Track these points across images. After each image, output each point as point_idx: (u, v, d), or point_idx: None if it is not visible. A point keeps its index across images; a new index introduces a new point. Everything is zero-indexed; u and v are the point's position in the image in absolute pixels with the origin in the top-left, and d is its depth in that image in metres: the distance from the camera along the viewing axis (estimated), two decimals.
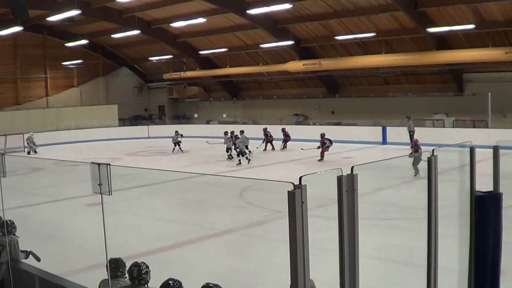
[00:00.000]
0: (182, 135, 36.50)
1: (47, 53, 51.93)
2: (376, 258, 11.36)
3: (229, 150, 31.48)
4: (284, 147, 36.62)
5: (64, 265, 11.33)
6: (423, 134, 32.65)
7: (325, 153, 29.99)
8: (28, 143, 39.88)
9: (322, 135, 30.90)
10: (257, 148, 34.48)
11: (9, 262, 8.57)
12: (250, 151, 32.24)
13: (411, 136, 32.43)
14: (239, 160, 29.74)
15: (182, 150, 36.27)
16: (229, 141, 31.83)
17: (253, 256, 13.41)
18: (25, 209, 18.26)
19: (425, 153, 5.59)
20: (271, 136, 36.38)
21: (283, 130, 37.14)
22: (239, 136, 32.02)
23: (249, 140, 32.86)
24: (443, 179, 6.00)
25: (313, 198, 4.35)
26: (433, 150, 5.57)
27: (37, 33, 50.25)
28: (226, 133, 32.19)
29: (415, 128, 33.13)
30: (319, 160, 30.19)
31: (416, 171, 22.87)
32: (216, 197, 19.72)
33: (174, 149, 36.52)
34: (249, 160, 30.16)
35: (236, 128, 34.43)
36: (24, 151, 39.79)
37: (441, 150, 5.74)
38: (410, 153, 25.66)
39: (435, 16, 33.16)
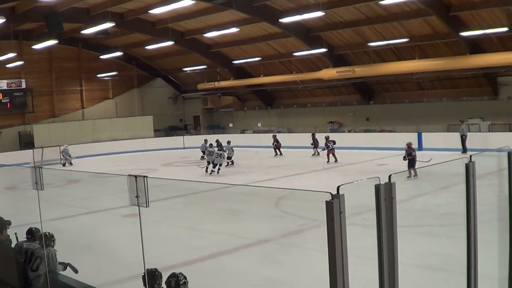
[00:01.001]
0: (211, 144, 35.93)
1: (82, 65, 52.44)
2: (415, 265, 11.27)
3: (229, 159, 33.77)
4: (278, 154, 38.27)
5: (102, 277, 11.39)
6: (458, 138, 32.43)
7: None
8: (63, 155, 40.23)
9: (327, 138, 33.43)
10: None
11: (47, 274, 8.62)
12: (232, 162, 34.06)
13: (463, 141, 32.11)
14: (212, 170, 30.65)
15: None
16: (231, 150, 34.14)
17: (290, 265, 13.37)
18: (63, 221, 18.36)
19: (463, 159, 5.53)
20: (279, 143, 38.38)
21: (274, 136, 39.89)
22: (224, 145, 34.20)
23: (234, 151, 34.53)
24: (481, 184, 5.95)
25: (348, 206, 4.33)
26: (470, 156, 5.52)
27: (72, 46, 50.79)
28: (205, 141, 34.35)
29: (468, 133, 32.80)
30: (328, 162, 32.48)
31: (410, 174, 24.01)
32: (252, 206, 19.70)
33: (202, 157, 36.21)
34: (218, 170, 30.91)
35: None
36: (61, 163, 40.13)
37: (478, 155, 5.69)
38: (404, 157, 25.92)
39: (468, 20, 32.91)
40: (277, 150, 38.25)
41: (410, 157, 25.66)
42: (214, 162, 30.53)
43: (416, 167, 24.89)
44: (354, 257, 5.11)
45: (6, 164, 26.23)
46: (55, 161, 40.38)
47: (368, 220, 5.83)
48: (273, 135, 39.49)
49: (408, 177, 23.78)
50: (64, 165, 39.92)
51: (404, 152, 25.89)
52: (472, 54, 34.32)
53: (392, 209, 4.57)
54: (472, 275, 5.55)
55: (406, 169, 23.98)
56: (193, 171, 32.27)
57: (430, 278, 11.44)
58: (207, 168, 30.81)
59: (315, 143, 36.46)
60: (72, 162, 40.19)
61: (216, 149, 32.19)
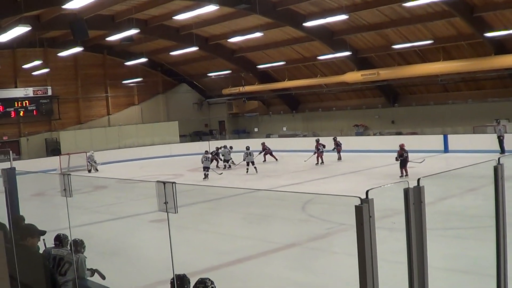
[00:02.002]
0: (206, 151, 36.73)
1: (107, 72, 52.80)
2: (444, 268, 11.20)
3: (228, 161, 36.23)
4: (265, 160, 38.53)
5: (129, 282, 11.46)
6: (484, 140, 32.23)
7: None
8: (89, 162, 40.47)
9: (317, 141, 35.07)
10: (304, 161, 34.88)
11: (76, 279, 8.68)
12: (229, 165, 36.50)
13: (501, 141, 31.80)
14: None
15: (218, 167, 37.20)
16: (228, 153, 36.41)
17: (317, 269, 13.35)
18: (90, 227, 18.48)
19: (491, 162, 5.50)
20: (269, 149, 39.17)
21: (263, 144, 40.25)
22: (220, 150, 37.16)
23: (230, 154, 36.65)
24: (510, 186, 5.91)
25: (376, 209, 4.32)
26: (499, 158, 5.49)
27: (97, 53, 51.18)
28: (206, 152, 34.54)
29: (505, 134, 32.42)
30: (316, 164, 34.58)
31: (402, 173, 26.20)
32: (279, 210, 19.69)
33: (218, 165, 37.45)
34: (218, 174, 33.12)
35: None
36: (86, 170, 40.36)
37: (507, 157, 5.66)
38: (396, 158, 27.27)
39: (492, 21, 32.71)
40: (265, 156, 38.52)
41: (402, 158, 26.83)
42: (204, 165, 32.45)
43: (408, 167, 26.72)
44: (381, 261, 5.10)
45: (33, 171, 26.41)
46: (82, 168, 40.64)
47: (395, 224, 5.82)
48: (262, 143, 40.12)
49: (400, 176, 25.90)
50: (89, 171, 40.16)
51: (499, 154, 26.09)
52: (497, 55, 34.11)
53: (421, 212, 4.57)
54: (502, 278, 5.52)
55: (434, 172, 23.89)
56: (219, 176, 32.32)
57: (459, 281, 11.38)
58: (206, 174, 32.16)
59: (336, 147, 36.46)
60: (98, 168, 40.42)
61: (209, 155, 34.31)
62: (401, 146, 27.17)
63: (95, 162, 40.51)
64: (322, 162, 34.50)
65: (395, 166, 28.80)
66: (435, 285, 5.20)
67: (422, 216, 4.57)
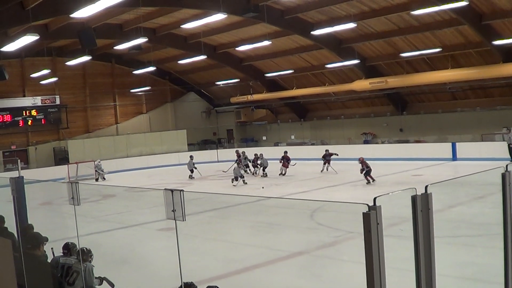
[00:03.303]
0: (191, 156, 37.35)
1: (115, 81, 52.92)
2: (452, 276, 11.18)
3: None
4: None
5: None
6: (492, 148, 32.15)
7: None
8: (96, 170, 40.54)
9: (285, 152, 36.09)
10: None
11: None
12: (265, 174, 36.30)
13: (510, 149, 31.69)
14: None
15: (192, 177, 37.47)
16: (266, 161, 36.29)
17: (325, 277, 13.34)
18: (98, 236, 18.51)
19: (499, 169, 5.48)
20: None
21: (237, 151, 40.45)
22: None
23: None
24: None
25: (384, 217, 4.32)
26: (507, 166, 5.48)
27: (105, 62, 51.33)
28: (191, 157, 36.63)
29: None
30: (279, 174, 35.48)
31: (369, 181, 28.25)
32: (287, 219, 19.68)
33: (190, 176, 37.57)
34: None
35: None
36: (94, 179, 40.44)
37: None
38: (361, 170, 29.06)
39: (501, 29, 32.65)
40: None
41: (364, 171, 28.73)
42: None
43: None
44: (389, 269, 5.09)
45: (41, 179, 26.46)
46: (90, 177, 40.76)
47: (403, 231, 5.80)
48: (235, 151, 40.45)
49: (367, 183, 28.00)
50: (97, 180, 40.22)
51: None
52: (505, 63, 34.03)
53: (429, 220, 4.56)
54: (510, 286, 5.50)
55: (442, 179, 23.84)
56: (227, 184, 32.29)
57: None
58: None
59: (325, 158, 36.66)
60: (105, 177, 40.47)
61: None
62: (361, 160, 28.94)
63: (102, 171, 40.57)
64: (284, 173, 35.62)
65: (404, 174, 28.82)
66: None
67: (430, 223, 4.56)
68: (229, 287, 7.65)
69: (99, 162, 40.96)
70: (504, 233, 5.47)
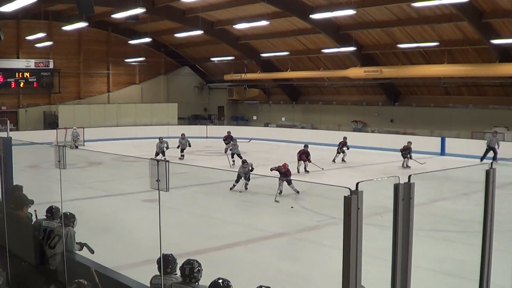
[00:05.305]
0: (167, 145, 33.40)
1: (110, 49, 52.70)
2: (429, 269, 11.28)
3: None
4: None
5: (118, 259, 11.50)
6: (482, 146, 32.22)
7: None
8: (72, 138, 39.97)
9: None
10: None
11: (64, 253, 8.71)
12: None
13: (487, 151, 31.45)
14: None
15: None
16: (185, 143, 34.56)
17: (305, 260, 13.43)
18: (82, 202, 18.53)
19: (484, 166, 5.52)
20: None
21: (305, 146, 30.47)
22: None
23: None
24: (502, 194, 5.95)
25: (368, 205, 4.35)
26: (491, 163, 5.52)
27: (102, 29, 51.10)
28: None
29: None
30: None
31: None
32: (271, 199, 19.75)
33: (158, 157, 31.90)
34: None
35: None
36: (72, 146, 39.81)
37: (500, 164, 5.70)
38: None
39: (500, 28, 32.66)
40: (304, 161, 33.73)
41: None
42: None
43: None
44: (369, 257, 5.14)
45: (28, 142, 26.50)
46: (79, 142, 40.60)
47: (385, 221, 5.85)
48: (305, 145, 30.41)
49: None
50: (71, 148, 39.63)
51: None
52: (501, 63, 34.08)
53: (409, 209, 4.59)
54: (485, 283, 5.56)
55: (428, 171, 23.96)
56: (215, 161, 32.32)
57: (443, 283, 11.46)
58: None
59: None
60: (78, 146, 39.85)
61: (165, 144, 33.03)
62: (284, 166, 22.64)
63: (78, 139, 40.09)
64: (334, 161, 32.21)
65: (392, 165, 28.92)
66: (418, 284, 5.25)
67: (410, 212, 4.60)
68: (208, 263, 7.67)
69: (75, 129, 40.64)
70: (483, 229, 5.52)
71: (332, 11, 32.73)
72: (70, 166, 8.51)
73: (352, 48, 39.88)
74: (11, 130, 36.40)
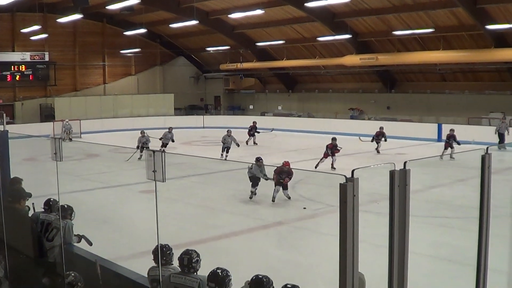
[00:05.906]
0: (146, 140, 30.21)
1: (105, 41, 52.63)
2: (426, 255, 11.32)
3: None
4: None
5: (116, 251, 11.52)
6: (478, 132, 32.23)
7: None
8: (65, 131, 39.86)
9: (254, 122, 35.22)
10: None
11: (62, 245, 8.72)
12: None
13: (500, 136, 31.33)
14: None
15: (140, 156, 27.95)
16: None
17: (303, 248, 13.46)
18: (80, 194, 18.53)
19: (480, 151, 5.52)
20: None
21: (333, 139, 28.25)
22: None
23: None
24: (499, 179, 5.95)
25: (365, 193, 4.37)
26: (487, 148, 5.52)
27: (97, 21, 51.03)
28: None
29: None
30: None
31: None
32: (268, 188, 19.74)
33: (140, 155, 27.65)
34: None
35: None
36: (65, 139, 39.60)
37: (496, 149, 5.70)
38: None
39: (495, 13, 32.65)
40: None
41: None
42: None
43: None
44: (366, 244, 5.15)
45: (25, 135, 26.45)
46: (75, 135, 40.56)
47: (381, 208, 5.87)
48: (333, 138, 28.03)
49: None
50: (64, 140, 39.50)
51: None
52: (496, 48, 34.08)
53: (405, 196, 4.60)
54: (482, 268, 5.57)
55: (423, 157, 23.98)
56: (211, 152, 32.29)
57: (440, 269, 11.49)
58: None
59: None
60: (72, 139, 39.68)
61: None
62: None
63: (70, 132, 39.95)
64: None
65: (388, 152, 28.93)
66: (416, 270, 5.27)
67: (407, 199, 4.60)
68: (207, 253, 7.68)
69: (67, 122, 40.55)
70: (480, 215, 5.52)
71: None
72: (67, 159, 8.53)
73: (347, 36, 39.86)
74: (7, 123, 36.32)
